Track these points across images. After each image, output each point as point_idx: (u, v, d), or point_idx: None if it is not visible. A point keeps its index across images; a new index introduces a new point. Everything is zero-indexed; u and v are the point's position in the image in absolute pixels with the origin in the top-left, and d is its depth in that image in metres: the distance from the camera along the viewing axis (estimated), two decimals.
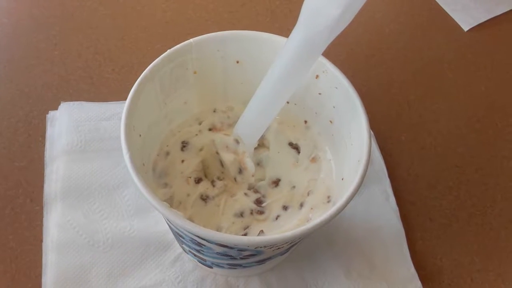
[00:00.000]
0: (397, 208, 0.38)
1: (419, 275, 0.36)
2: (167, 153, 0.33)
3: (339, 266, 0.36)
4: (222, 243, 0.26)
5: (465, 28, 0.51)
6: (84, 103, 0.42)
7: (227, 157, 0.32)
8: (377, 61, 0.48)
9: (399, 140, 0.43)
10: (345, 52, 0.48)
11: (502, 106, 0.46)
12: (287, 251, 0.32)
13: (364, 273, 0.35)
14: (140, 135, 0.30)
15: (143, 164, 0.30)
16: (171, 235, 0.36)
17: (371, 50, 0.49)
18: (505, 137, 0.44)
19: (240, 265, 0.32)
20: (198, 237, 0.27)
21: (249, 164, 0.32)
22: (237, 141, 0.32)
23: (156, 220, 0.36)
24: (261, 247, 0.27)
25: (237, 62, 0.33)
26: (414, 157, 0.42)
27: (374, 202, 0.38)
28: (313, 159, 0.33)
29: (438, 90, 0.47)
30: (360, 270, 0.36)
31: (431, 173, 0.41)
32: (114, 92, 0.44)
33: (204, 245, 0.28)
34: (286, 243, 0.27)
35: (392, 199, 0.39)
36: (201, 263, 0.33)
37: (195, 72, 0.33)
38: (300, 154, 0.33)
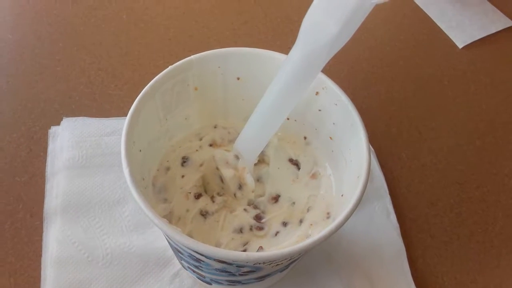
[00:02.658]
0: (398, 225, 0.38)
1: None
2: (167, 169, 0.33)
3: (339, 283, 0.35)
4: (220, 259, 0.26)
5: (460, 45, 0.51)
6: (86, 118, 0.42)
7: (227, 172, 0.32)
8: (377, 79, 0.48)
9: (400, 157, 0.43)
10: (345, 69, 0.48)
11: (503, 123, 0.46)
12: (287, 268, 0.32)
13: None
14: (140, 150, 0.30)
15: (143, 179, 0.30)
16: (170, 251, 0.36)
17: (371, 67, 0.49)
18: (506, 155, 0.44)
19: (239, 282, 0.31)
20: (197, 252, 0.27)
21: (249, 180, 0.32)
22: (237, 157, 0.32)
23: (156, 236, 0.36)
24: (260, 263, 0.27)
25: (238, 78, 0.33)
26: (415, 174, 0.42)
27: (374, 219, 0.38)
28: (313, 175, 0.33)
29: (438, 108, 0.47)
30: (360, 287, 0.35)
31: (432, 190, 0.41)
32: (117, 108, 0.44)
33: (203, 261, 0.28)
34: (285, 259, 0.27)
35: (393, 216, 0.38)
36: (200, 279, 0.33)
37: (196, 89, 0.33)
38: (300, 170, 0.33)
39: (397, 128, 0.45)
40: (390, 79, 0.48)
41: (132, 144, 0.29)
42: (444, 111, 0.47)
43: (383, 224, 0.38)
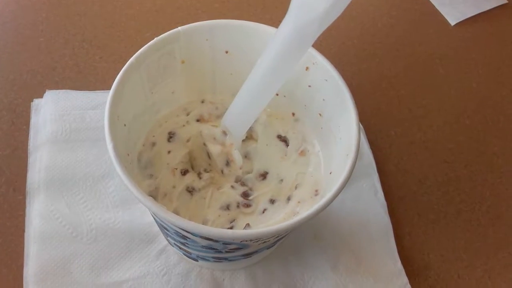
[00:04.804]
0: (385, 203, 0.38)
1: (406, 271, 0.36)
2: (153, 144, 0.32)
3: (326, 261, 0.35)
4: (206, 237, 0.26)
5: (452, 22, 0.51)
6: (70, 91, 0.41)
7: (214, 149, 0.32)
8: (368, 55, 0.48)
9: (389, 135, 0.43)
10: (336, 45, 0.47)
11: (493, 103, 0.46)
12: (274, 245, 0.32)
13: (351, 268, 0.35)
14: (125, 125, 0.29)
15: (128, 155, 0.30)
16: (156, 228, 0.35)
17: (362, 44, 0.48)
18: (495, 134, 0.44)
19: (225, 259, 0.31)
20: (183, 230, 0.27)
21: (237, 156, 0.31)
22: (224, 133, 0.32)
23: (141, 212, 0.36)
24: (246, 241, 0.27)
25: (226, 52, 0.32)
26: (404, 152, 0.42)
27: (362, 197, 0.38)
28: (302, 152, 0.32)
29: (428, 86, 0.46)
30: (347, 265, 0.35)
31: (420, 169, 0.41)
32: (102, 80, 0.43)
33: (189, 238, 0.28)
34: (272, 236, 0.27)
35: (381, 194, 0.38)
36: (187, 256, 0.33)
37: (183, 62, 0.32)
38: (288, 147, 0.33)
39: (387, 105, 0.45)
40: (381, 56, 0.48)
41: (116, 118, 0.28)
42: (435, 89, 0.46)
43: (370, 202, 0.38)
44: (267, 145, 0.33)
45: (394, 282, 0.35)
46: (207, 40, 0.31)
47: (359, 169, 0.39)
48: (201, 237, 0.27)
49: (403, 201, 0.39)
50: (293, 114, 0.34)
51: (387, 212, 0.38)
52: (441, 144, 0.43)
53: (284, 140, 0.33)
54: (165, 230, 0.30)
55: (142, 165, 0.31)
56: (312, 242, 0.36)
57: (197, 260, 0.33)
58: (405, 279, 0.35)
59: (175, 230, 0.28)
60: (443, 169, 0.41)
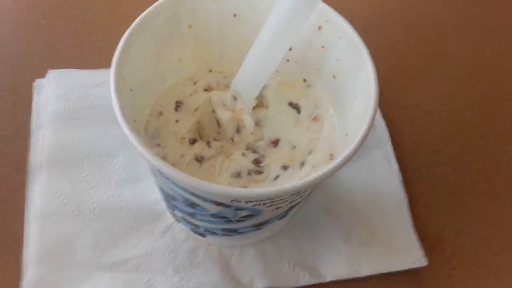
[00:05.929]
0: (399, 174, 0.37)
1: (421, 243, 0.34)
2: (160, 113, 0.31)
3: (338, 234, 0.34)
4: (219, 195, 0.24)
5: None
6: (72, 70, 0.40)
7: (224, 115, 0.30)
8: (377, 27, 0.47)
9: (402, 106, 0.42)
10: (344, 17, 0.46)
11: (507, 72, 0.45)
12: (285, 216, 0.31)
13: (364, 241, 0.34)
14: (131, 89, 0.28)
15: (135, 121, 0.29)
16: (161, 205, 0.34)
17: (371, 16, 0.47)
18: (510, 103, 0.43)
19: (235, 231, 0.30)
20: (193, 194, 0.25)
21: (248, 121, 0.30)
22: (234, 98, 0.30)
23: (146, 189, 0.35)
24: (260, 203, 0.25)
25: (234, 15, 0.31)
26: (417, 123, 0.41)
27: (376, 168, 0.37)
28: (315, 118, 0.31)
29: (441, 56, 0.45)
30: (360, 238, 0.34)
31: (435, 139, 0.40)
32: (105, 59, 0.40)
33: (198, 206, 0.27)
34: (288, 196, 0.26)
35: (395, 164, 0.37)
36: (194, 231, 0.32)
37: (189, 27, 0.31)
38: (301, 114, 0.32)
39: (399, 77, 0.43)
40: (391, 27, 0.47)
41: (123, 80, 0.27)
42: (448, 58, 0.45)
43: (384, 173, 0.37)
44: (278, 112, 0.32)
45: (409, 254, 0.34)
46: (214, 1, 0.30)
47: (372, 139, 0.38)
48: (212, 201, 0.25)
49: (417, 173, 0.38)
50: (305, 80, 0.32)
51: (402, 182, 0.36)
52: (455, 114, 0.42)
53: (296, 107, 0.32)
54: (173, 201, 0.29)
55: (149, 135, 0.30)
56: (324, 216, 0.35)
57: (205, 236, 0.32)
58: (420, 252, 0.34)
59: (185, 197, 0.27)
60: (458, 139, 0.40)
